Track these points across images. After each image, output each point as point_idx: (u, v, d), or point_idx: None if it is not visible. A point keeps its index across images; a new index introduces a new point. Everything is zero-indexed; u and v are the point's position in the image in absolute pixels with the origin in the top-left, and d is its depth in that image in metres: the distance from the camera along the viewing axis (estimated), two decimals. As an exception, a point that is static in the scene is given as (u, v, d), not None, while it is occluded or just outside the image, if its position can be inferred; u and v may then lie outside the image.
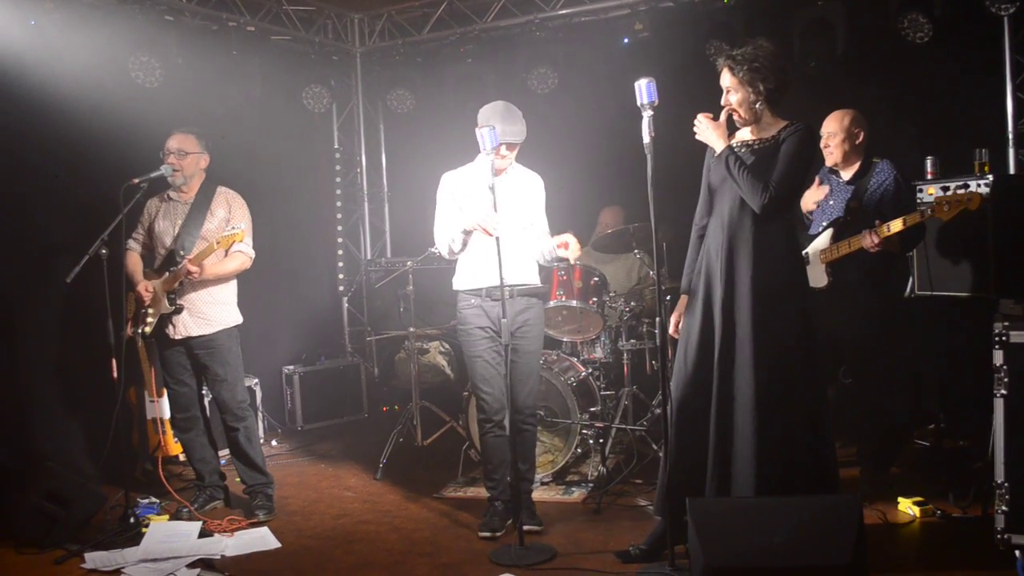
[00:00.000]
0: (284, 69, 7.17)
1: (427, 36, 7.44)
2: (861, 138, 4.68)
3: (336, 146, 8.12)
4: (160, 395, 5.64)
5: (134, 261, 5.02)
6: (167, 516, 4.85)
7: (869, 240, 4.42)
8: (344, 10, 7.62)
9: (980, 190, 4.74)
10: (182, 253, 4.80)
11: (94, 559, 4.24)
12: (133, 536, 4.49)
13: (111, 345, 4.62)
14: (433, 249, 6.02)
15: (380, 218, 8.36)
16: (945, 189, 4.85)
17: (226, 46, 6.58)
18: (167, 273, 4.85)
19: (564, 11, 6.80)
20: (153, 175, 4.72)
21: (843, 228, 4.61)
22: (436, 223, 4.58)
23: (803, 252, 4.67)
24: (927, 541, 4.10)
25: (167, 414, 5.61)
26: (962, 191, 4.34)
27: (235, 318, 5.07)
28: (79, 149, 5.49)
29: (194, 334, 4.91)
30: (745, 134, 3.76)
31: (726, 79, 3.68)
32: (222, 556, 4.31)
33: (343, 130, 8.17)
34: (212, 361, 4.95)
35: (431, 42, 7.48)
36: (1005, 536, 3.55)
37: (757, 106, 3.65)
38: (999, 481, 3.55)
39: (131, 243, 5.03)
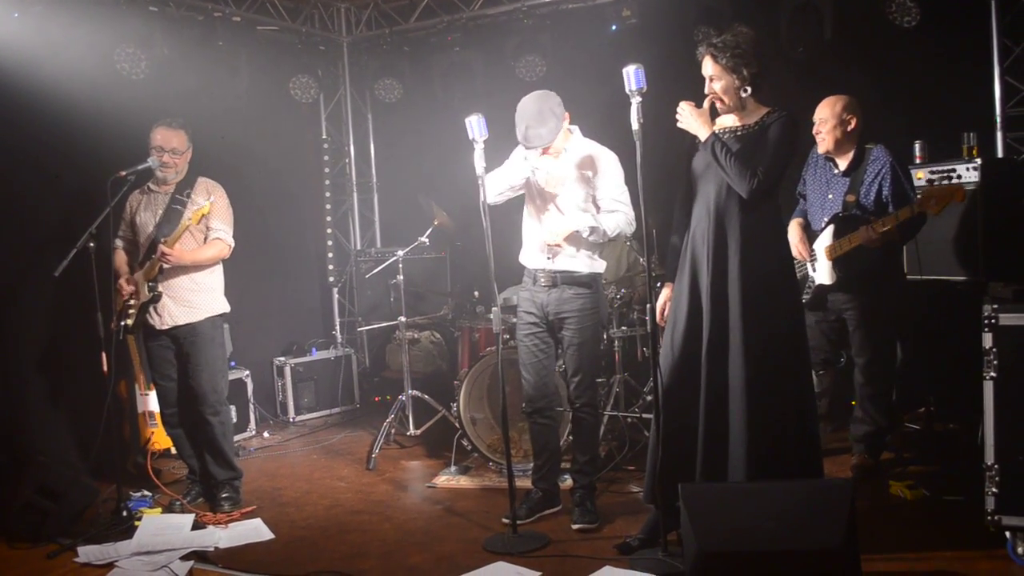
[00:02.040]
0: (271, 59, 7.13)
1: (414, 25, 7.41)
2: (854, 124, 4.62)
3: (324, 136, 8.09)
4: (150, 388, 5.63)
5: (121, 259, 5.00)
6: (160, 509, 4.85)
7: (867, 236, 4.44)
8: (330, -1, 7.60)
9: (969, 174, 4.77)
10: (162, 240, 4.76)
11: (87, 553, 4.23)
12: (126, 529, 4.48)
13: (101, 338, 4.60)
14: (423, 238, 6.04)
15: (369, 208, 8.34)
16: (934, 173, 4.87)
17: (212, 37, 6.53)
18: (148, 263, 4.84)
19: (551, -2, 6.79)
20: (140, 168, 4.70)
21: (843, 223, 4.59)
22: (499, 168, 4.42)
23: (811, 248, 4.70)
24: (918, 523, 4.12)
25: (158, 407, 5.60)
26: (947, 183, 4.33)
27: (221, 306, 5.04)
28: (65, 142, 5.45)
29: (180, 322, 4.88)
30: (728, 120, 3.76)
31: (708, 67, 3.67)
32: (216, 548, 4.31)
33: (331, 120, 8.14)
34: (194, 349, 4.90)
35: (418, 31, 7.45)
36: (995, 518, 3.56)
37: (741, 92, 3.65)
38: (989, 463, 3.56)
39: (117, 241, 5.01)
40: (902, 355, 5.17)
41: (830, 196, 4.71)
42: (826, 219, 4.67)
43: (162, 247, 4.68)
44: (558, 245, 4.31)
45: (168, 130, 4.86)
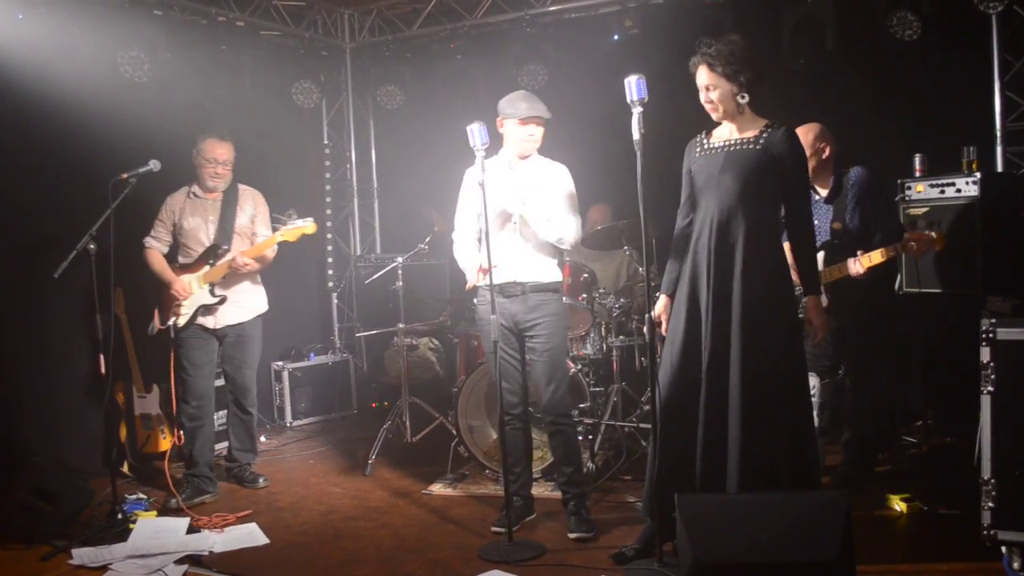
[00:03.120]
0: (273, 64, 7.14)
1: (417, 32, 7.43)
2: (828, 152, 4.65)
3: (326, 142, 8.10)
4: (149, 390, 5.64)
5: (159, 259, 5.18)
6: (155, 512, 4.84)
7: (855, 269, 4.47)
8: (334, 5, 7.61)
9: (968, 188, 4.78)
10: (224, 247, 5.08)
11: (81, 555, 4.22)
12: (121, 532, 4.47)
13: (99, 340, 4.60)
14: (423, 245, 6.06)
15: (370, 214, 8.35)
16: (933, 187, 4.89)
17: (215, 41, 6.55)
18: (207, 267, 5.08)
19: (554, 7, 6.80)
20: (141, 170, 4.69)
21: (833, 251, 4.62)
22: (455, 221, 4.61)
23: None
24: (914, 537, 4.12)
25: (155, 409, 5.61)
26: (929, 232, 4.39)
27: (263, 305, 5.39)
28: (68, 143, 5.47)
29: (233, 322, 5.17)
30: (725, 132, 3.76)
31: (704, 77, 3.67)
32: (210, 552, 4.30)
33: (333, 126, 8.15)
34: (241, 348, 5.24)
35: (421, 38, 7.47)
36: (991, 532, 3.56)
37: (738, 99, 3.66)
38: (985, 478, 3.56)
39: (152, 241, 5.18)
40: (893, 368, 5.20)
41: (817, 222, 4.74)
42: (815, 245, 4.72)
43: (243, 258, 5.02)
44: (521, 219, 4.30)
45: (219, 142, 5.12)
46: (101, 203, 4.59)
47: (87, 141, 5.48)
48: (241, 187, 5.27)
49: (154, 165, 4.75)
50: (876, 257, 4.40)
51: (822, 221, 4.72)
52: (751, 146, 3.66)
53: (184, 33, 6.34)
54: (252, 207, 5.25)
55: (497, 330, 4.20)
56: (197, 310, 5.08)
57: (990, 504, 3.55)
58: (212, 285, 5.08)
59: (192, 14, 6.44)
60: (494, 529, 4.39)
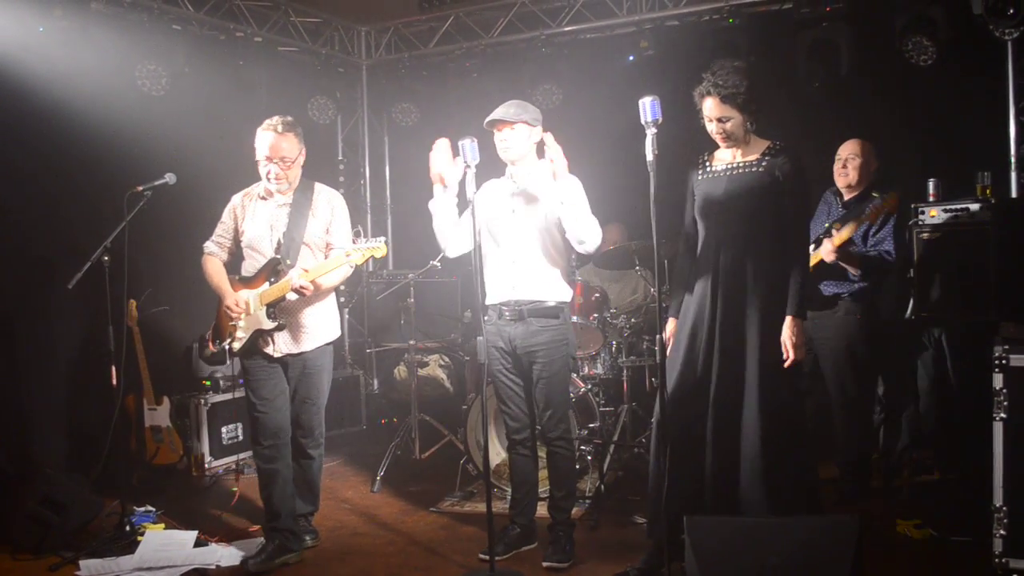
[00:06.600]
0: (290, 80, 7.20)
1: (433, 50, 7.47)
2: (875, 166, 4.88)
3: (340, 158, 8.15)
4: (159, 403, 5.65)
5: (217, 268, 4.45)
6: (163, 525, 4.85)
7: (826, 249, 4.61)
8: (351, 23, 7.67)
9: (982, 213, 4.79)
10: (288, 262, 4.26)
11: (89, 567, 4.23)
12: (128, 544, 4.48)
13: (111, 352, 4.61)
14: (435, 262, 6.06)
15: (383, 230, 8.38)
16: (947, 211, 4.91)
17: (233, 56, 6.62)
18: (267, 284, 4.27)
19: (570, 28, 6.83)
20: (157, 183, 4.68)
21: (819, 243, 4.78)
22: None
23: None
24: (925, 564, 4.08)
25: (165, 421, 5.61)
26: (886, 195, 4.58)
27: (335, 331, 4.54)
28: (85, 155, 5.53)
29: (294, 351, 4.35)
30: (728, 155, 3.78)
31: (716, 109, 3.67)
32: (217, 566, 4.30)
33: (347, 142, 8.20)
34: (306, 381, 4.42)
35: (437, 56, 7.51)
36: (1003, 560, 3.53)
37: (748, 125, 3.69)
38: (997, 505, 3.54)
39: (211, 247, 4.49)
40: (883, 390, 5.30)
41: (826, 225, 4.85)
42: (812, 240, 4.81)
43: (301, 282, 4.12)
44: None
45: (275, 136, 4.25)
46: (115, 215, 4.61)
47: (103, 153, 5.53)
48: (318, 187, 4.45)
49: (170, 178, 4.73)
50: (845, 234, 4.58)
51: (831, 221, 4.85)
52: (754, 168, 3.69)
53: (202, 48, 6.40)
54: (328, 212, 4.39)
55: (485, 352, 4.18)
56: (253, 335, 4.30)
57: (1002, 532, 3.53)
58: (270, 307, 4.26)
59: (211, 29, 6.50)
60: (481, 556, 4.22)
